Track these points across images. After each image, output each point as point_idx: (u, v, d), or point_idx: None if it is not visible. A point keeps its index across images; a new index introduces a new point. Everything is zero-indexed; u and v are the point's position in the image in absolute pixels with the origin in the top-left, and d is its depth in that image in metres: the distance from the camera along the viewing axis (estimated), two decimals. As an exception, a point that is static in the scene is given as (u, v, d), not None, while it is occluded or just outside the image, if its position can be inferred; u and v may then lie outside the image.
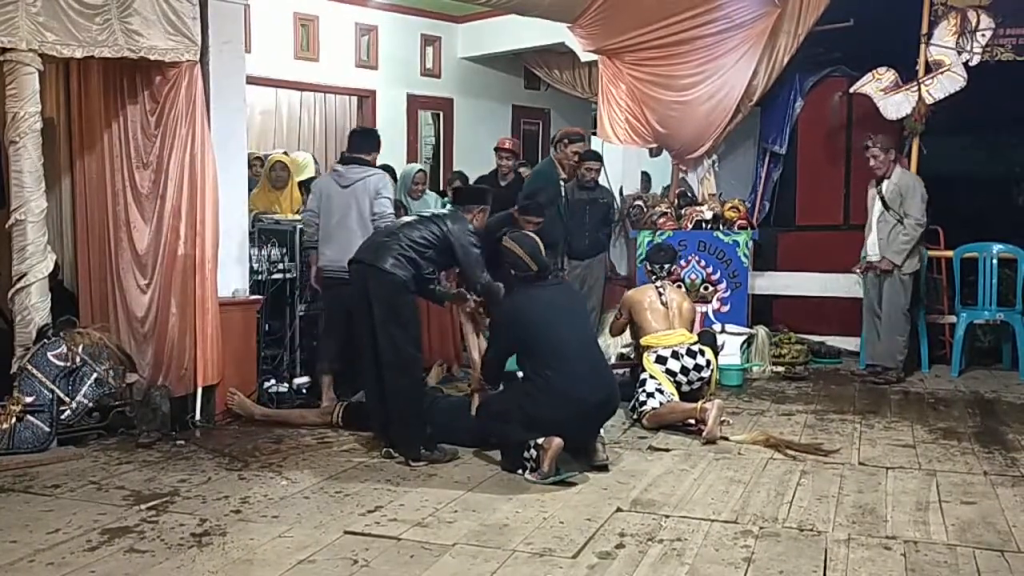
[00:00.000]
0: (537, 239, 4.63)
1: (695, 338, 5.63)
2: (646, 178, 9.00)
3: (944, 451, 4.74)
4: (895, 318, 6.63)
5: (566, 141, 6.97)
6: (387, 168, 7.64)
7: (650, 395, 5.26)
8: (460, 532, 3.48)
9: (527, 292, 4.48)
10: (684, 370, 5.44)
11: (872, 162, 6.66)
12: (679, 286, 6.79)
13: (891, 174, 6.65)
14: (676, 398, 5.29)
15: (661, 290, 5.70)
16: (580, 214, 7.22)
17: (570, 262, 7.21)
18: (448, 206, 7.13)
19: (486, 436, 4.57)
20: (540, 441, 4.14)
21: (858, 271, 6.89)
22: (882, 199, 6.65)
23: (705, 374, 5.52)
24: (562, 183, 6.97)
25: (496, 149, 7.64)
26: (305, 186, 7.03)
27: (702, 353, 5.52)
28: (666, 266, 5.86)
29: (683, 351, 5.46)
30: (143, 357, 5.28)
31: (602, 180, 7.51)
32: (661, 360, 5.43)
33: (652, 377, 5.35)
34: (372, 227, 5.40)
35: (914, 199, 6.55)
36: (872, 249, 6.72)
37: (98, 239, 5.47)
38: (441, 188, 8.74)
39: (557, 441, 4.12)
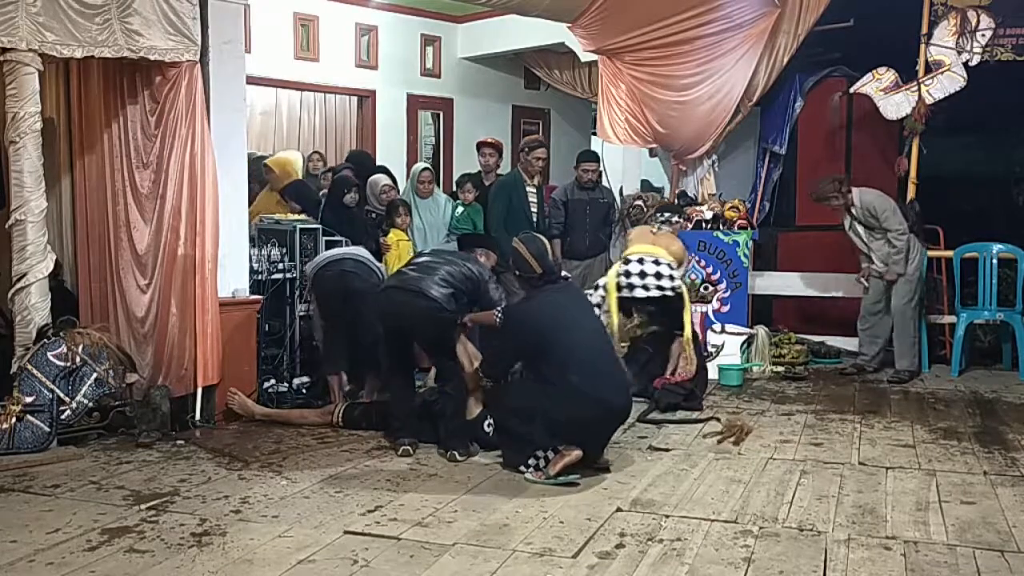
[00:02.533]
0: (545, 242, 4.62)
1: (672, 260, 5.70)
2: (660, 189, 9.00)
3: (944, 451, 4.74)
4: (904, 320, 6.67)
5: (526, 149, 7.06)
6: (383, 169, 7.65)
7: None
8: (460, 532, 3.48)
9: (536, 297, 4.44)
10: (643, 274, 5.52)
11: (835, 209, 6.81)
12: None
13: (853, 201, 6.71)
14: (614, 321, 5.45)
15: (654, 231, 5.85)
16: (580, 214, 7.22)
17: (570, 262, 7.22)
18: (460, 209, 7.13)
19: (488, 433, 4.60)
20: (560, 446, 4.13)
21: (863, 279, 6.90)
22: (861, 224, 6.77)
23: (667, 287, 5.54)
24: (530, 190, 6.98)
25: (479, 145, 7.57)
26: (288, 192, 6.95)
27: (671, 279, 5.58)
28: (666, 214, 6.01)
29: (651, 260, 5.57)
30: (143, 357, 5.28)
31: (602, 180, 7.52)
32: (627, 261, 5.57)
33: (605, 291, 5.50)
34: None
35: (886, 213, 6.66)
36: (879, 264, 6.75)
37: (98, 239, 5.47)
38: (442, 188, 8.73)
39: (577, 452, 4.11)
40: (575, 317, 4.36)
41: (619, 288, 5.59)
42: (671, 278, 5.58)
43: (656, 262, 5.62)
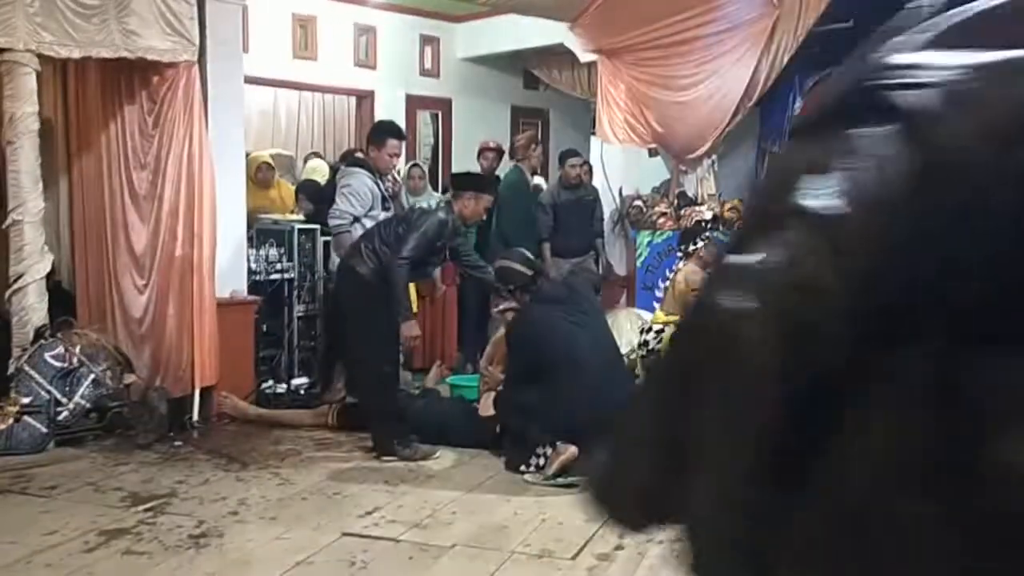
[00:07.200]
0: (521, 250, 4.72)
1: (659, 317, 6.07)
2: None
3: (944, 452, 4.72)
4: None
5: (533, 147, 6.92)
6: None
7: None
8: (459, 533, 3.47)
9: (533, 313, 4.45)
10: (642, 343, 6.06)
11: None
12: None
13: None
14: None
15: (676, 278, 6.18)
16: (567, 214, 7.19)
17: (559, 260, 7.19)
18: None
19: (488, 436, 4.56)
20: (557, 443, 4.13)
21: None
22: None
23: (647, 350, 6.08)
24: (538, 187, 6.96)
25: (481, 149, 7.56)
26: (302, 189, 6.97)
27: (652, 340, 6.00)
28: (682, 247, 6.21)
29: (654, 330, 6.05)
30: (140, 358, 5.26)
31: (599, 179, 7.48)
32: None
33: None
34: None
35: None
36: None
37: (95, 240, 5.46)
38: (440, 188, 8.72)
39: (572, 450, 4.11)
40: (582, 329, 4.38)
41: None
42: (652, 340, 6.07)
43: (645, 330, 6.14)
